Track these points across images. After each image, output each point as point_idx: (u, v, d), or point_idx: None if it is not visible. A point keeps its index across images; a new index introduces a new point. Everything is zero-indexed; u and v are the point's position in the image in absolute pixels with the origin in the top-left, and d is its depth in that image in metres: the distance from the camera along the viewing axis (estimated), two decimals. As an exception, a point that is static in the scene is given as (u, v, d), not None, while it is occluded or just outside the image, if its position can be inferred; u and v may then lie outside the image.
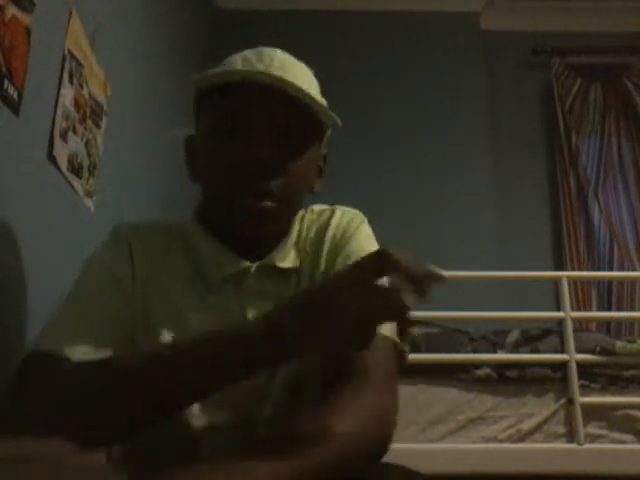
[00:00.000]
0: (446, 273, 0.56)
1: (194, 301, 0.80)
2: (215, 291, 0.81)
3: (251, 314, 0.80)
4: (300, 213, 0.89)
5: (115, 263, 0.81)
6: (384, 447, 0.66)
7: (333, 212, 0.90)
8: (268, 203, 0.77)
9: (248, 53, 0.82)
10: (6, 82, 1.15)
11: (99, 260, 0.82)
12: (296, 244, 0.86)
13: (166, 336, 0.78)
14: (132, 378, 0.62)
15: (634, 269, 3.16)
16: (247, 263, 0.82)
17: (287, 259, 0.84)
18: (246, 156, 0.76)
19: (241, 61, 0.80)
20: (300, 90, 0.75)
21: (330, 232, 0.86)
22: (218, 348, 0.60)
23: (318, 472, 0.58)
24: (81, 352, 0.71)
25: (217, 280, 0.81)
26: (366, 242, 0.86)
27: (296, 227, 0.87)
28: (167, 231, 0.86)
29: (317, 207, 0.92)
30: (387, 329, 0.75)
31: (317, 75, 0.86)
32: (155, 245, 0.84)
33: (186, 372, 0.61)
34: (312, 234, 0.88)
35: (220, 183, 0.78)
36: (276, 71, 0.77)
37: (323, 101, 0.80)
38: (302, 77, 0.81)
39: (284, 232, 0.85)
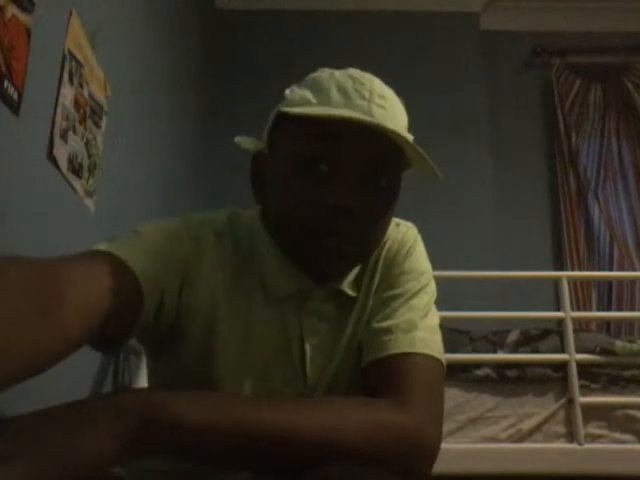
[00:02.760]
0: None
1: (257, 310, 0.78)
2: (275, 305, 0.79)
3: (309, 335, 0.78)
4: None
5: (180, 250, 0.76)
6: (408, 466, 0.63)
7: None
8: (349, 249, 0.73)
9: (342, 79, 0.75)
10: (6, 82, 1.15)
11: (165, 235, 0.77)
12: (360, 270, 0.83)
13: (229, 333, 0.76)
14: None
15: (634, 269, 3.16)
16: (311, 283, 0.78)
17: (352, 285, 0.81)
18: (332, 199, 0.71)
19: (336, 91, 0.73)
20: (408, 142, 0.70)
21: (384, 252, 0.83)
22: None
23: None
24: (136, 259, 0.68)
25: (279, 295, 0.78)
26: (421, 260, 0.84)
27: None
28: (234, 233, 0.82)
29: None
30: (428, 346, 0.73)
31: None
32: (227, 248, 0.80)
33: None
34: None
35: (300, 219, 0.73)
36: (377, 111, 0.72)
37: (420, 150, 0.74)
38: (399, 113, 0.77)
39: None
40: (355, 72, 0.77)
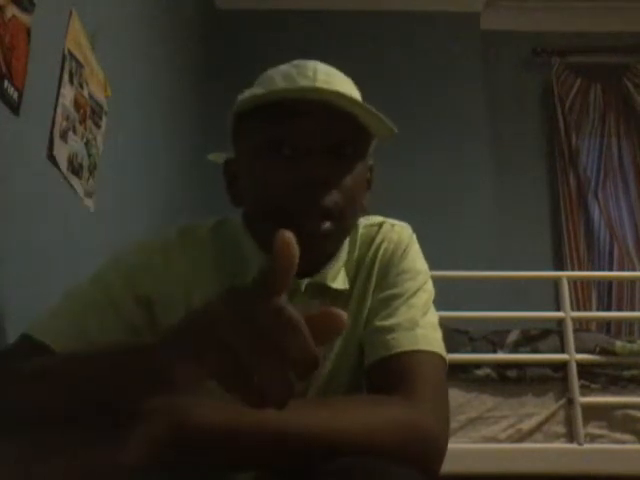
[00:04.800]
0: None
1: None
2: None
3: None
4: None
5: (138, 278, 0.79)
6: (421, 463, 0.63)
7: (380, 227, 0.87)
8: (327, 224, 0.74)
9: (286, 68, 0.79)
10: (6, 82, 1.15)
11: (123, 267, 0.80)
12: (346, 263, 0.84)
13: None
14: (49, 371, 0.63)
15: (634, 269, 3.16)
16: (297, 280, 0.78)
17: (338, 279, 0.81)
18: (299, 175, 0.73)
19: (281, 78, 0.77)
20: (356, 101, 0.72)
21: (380, 252, 0.84)
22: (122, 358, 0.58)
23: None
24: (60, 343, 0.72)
25: None
26: (417, 259, 0.85)
27: (346, 245, 0.84)
28: (218, 241, 0.84)
29: (363, 221, 0.88)
30: (430, 343, 0.74)
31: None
32: (203, 258, 0.82)
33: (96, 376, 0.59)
34: (362, 253, 0.85)
35: (273, 206, 0.74)
36: (323, 85, 0.74)
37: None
38: (347, 84, 0.79)
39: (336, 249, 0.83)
40: (299, 61, 0.80)
